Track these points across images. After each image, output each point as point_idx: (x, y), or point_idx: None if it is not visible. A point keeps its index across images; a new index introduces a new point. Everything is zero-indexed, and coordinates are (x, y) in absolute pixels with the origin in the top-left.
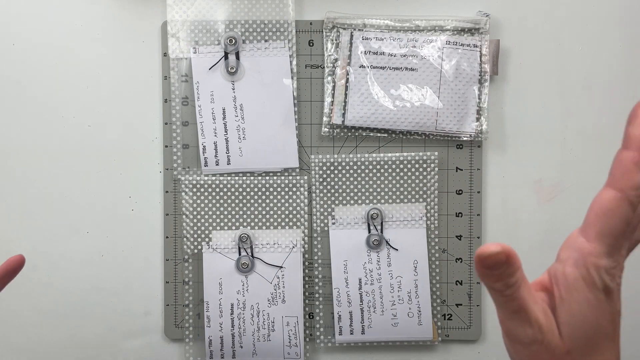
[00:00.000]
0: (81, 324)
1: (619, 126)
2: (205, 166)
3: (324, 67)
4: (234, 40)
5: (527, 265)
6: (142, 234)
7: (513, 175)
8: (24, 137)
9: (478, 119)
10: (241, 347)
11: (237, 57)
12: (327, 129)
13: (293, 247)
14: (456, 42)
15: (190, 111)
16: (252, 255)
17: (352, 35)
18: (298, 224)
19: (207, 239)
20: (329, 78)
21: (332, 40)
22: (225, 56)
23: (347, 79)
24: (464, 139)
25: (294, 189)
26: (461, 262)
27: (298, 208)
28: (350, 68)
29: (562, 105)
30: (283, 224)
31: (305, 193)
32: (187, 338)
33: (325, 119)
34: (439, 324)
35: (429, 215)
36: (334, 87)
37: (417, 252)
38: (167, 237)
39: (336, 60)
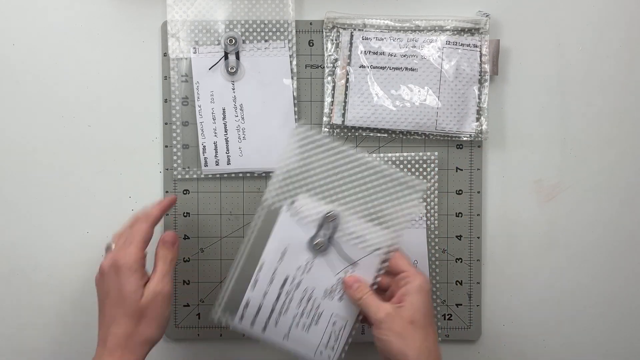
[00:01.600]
0: (81, 324)
1: (619, 126)
2: (205, 166)
3: (324, 67)
4: (234, 40)
5: (527, 264)
6: None
7: (513, 175)
8: (24, 137)
9: (478, 119)
10: (276, 325)
11: (237, 57)
12: (327, 129)
13: (377, 249)
14: (456, 42)
15: (190, 111)
16: (330, 238)
17: (352, 35)
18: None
19: (295, 199)
20: (329, 78)
21: (332, 40)
22: (225, 56)
23: (347, 79)
24: (464, 139)
25: None
26: (461, 262)
27: None
28: (350, 68)
29: (562, 105)
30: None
31: None
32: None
33: (325, 119)
34: (439, 324)
35: (429, 215)
36: (334, 87)
37: (418, 252)
38: None
39: (336, 60)
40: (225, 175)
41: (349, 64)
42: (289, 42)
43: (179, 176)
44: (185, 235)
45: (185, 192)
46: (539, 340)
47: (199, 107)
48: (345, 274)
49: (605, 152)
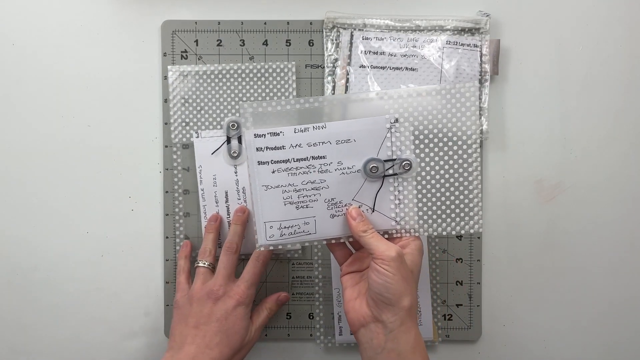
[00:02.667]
0: (81, 324)
1: (619, 126)
2: None
3: (324, 67)
4: (236, 125)
5: (527, 264)
6: (142, 234)
7: (513, 175)
8: (24, 137)
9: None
10: (272, 171)
11: (240, 142)
12: None
13: (397, 221)
14: (456, 42)
15: (190, 111)
16: (385, 176)
17: (352, 35)
18: None
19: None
20: (329, 78)
21: (332, 40)
22: (228, 140)
23: (347, 79)
24: None
25: None
26: (461, 262)
27: None
28: (350, 68)
29: (562, 105)
30: None
31: None
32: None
33: None
34: (439, 324)
35: None
36: (334, 87)
37: None
38: (167, 237)
39: (336, 60)
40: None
41: (349, 63)
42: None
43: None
44: (185, 235)
45: (185, 192)
46: (539, 340)
47: (202, 190)
48: (360, 207)
49: (605, 152)
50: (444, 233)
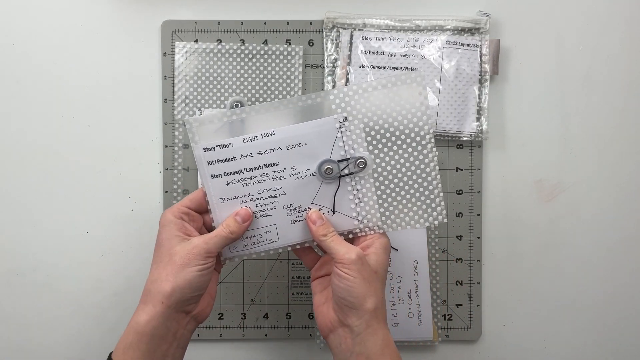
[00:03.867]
0: (81, 324)
1: (619, 126)
2: None
3: (324, 67)
4: (239, 105)
5: (527, 264)
6: (142, 234)
7: (513, 175)
8: (24, 137)
9: (478, 119)
10: (227, 184)
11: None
12: None
13: (359, 220)
14: (456, 42)
15: (195, 88)
16: (341, 177)
17: (352, 35)
18: None
19: (351, 119)
20: (329, 78)
21: (332, 40)
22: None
23: (347, 79)
24: (464, 139)
25: None
26: (461, 262)
27: None
28: (350, 68)
29: (562, 105)
30: None
31: None
32: None
33: None
34: (439, 324)
35: None
36: (334, 87)
37: (417, 252)
38: None
39: (336, 60)
40: None
41: (349, 63)
42: None
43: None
44: None
45: (185, 192)
46: (539, 340)
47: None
48: (320, 211)
49: (605, 152)
50: (408, 227)
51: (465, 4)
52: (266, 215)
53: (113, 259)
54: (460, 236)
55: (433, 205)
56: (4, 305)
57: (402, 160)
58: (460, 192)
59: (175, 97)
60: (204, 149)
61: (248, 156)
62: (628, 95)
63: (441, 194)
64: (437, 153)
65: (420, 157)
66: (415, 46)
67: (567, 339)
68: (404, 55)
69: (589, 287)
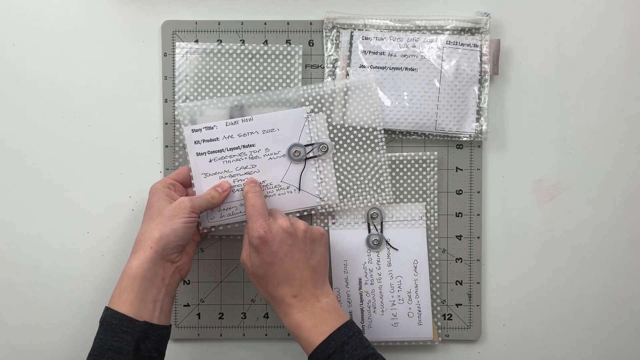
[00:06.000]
0: (81, 324)
1: (619, 126)
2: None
3: (324, 67)
4: (240, 106)
5: (527, 264)
6: None
7: (513, 175)
8: (24, 137)
9: (478, 119)
10: (210, 161)
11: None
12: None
13: (319, 197)
14: (456, 42)
15: (194, 89)
16: (308, 159)
17: (352, 35)
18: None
19: (317, 111)
20: (329, 78)
21: (332, 40)
22: None
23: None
24: (464, 139)
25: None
26: (461, 262)
27: None
28: (350, 68)
29: (562, 105)
30: None
31: None
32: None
33: None
34: (439, 324)
35: (428, 215)
36: None
37: (417, 252)
38: None
39: (336, 60)
40: None
41: (349, 64)
42: None
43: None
44: None
45: None
46: (539, 340)
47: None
48: (288, 188)
49: (605, 152)
50: (362, 206)
51: (465, 4)
52: (241, 190)
53: (113, 259)
54: (460, 236)
55: (382, 187)
56: (4, 305)
57: (357, 147)
58: (460, 192)
59: (176, 97)
60: (192, 130)
61: (229, 137)
62: (628, 95)
63: (389, 177)
64: (385, 146)
65: (372, 144)
66: (415, 46)
67: (567, 339)
68: (404, 55)
69: (589, 287)
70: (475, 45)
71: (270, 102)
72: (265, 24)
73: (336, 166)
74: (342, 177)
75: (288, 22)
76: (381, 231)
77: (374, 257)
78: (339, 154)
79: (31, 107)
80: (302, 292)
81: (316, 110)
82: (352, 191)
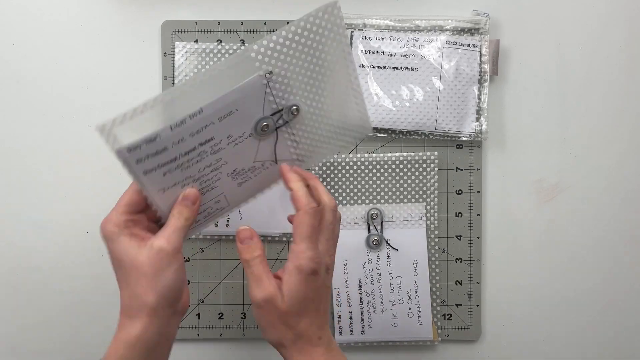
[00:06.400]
0: (81, 324)
1: (619, 126)
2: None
3: None
4: None
5: (527, 264)
6: None
7: (513, 175)
8: (24, 137)
9: (478, 119)
10: (164, 175)
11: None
12: None
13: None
14: (456, 42)
15: None
16: (278, 128)
17: (352, 35)
18: None
19: (278, 71)
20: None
21: None
22: None
23: None
24: (464, 139)
25: None
26: (461, 262)
27: None
28: None
29: (562, 105)
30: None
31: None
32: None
33: None
34: (439, 324)
35: (428, 215)
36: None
37: (417, 252)
38: None
39: None
40: None
41: None
42: None
43: None
44: None
45: None
46: (539, 340)
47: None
48: (262, 165)
49: (605, 152)
50: (338, 158)
51: (464, 4)
52: (212, 189)
53: None
54: (460, 236)
55: (361, 122)
56: (3, 305)
57: (330, 96)
58: (460, 192)
59: None
60: (127, 149)
61: (180, 141)
62: (627, 95)
63: (366, 108)
64: (361, 89)
65: (346, 87)
66: (415, 46)
67: (567, 339)
68: (404, 55)
69: (589, 287)
70: (475, 46)
71: (214, 79)
72: (265, 24)
73: (311, 122)
74: (316, 130)
75: (288, 22)
76: (381, 231)
77: (373, 257)
78: (306, 107)
79: (31, 107)
80: (327, 331)
81: (276, 70)
82: (330, 139)
